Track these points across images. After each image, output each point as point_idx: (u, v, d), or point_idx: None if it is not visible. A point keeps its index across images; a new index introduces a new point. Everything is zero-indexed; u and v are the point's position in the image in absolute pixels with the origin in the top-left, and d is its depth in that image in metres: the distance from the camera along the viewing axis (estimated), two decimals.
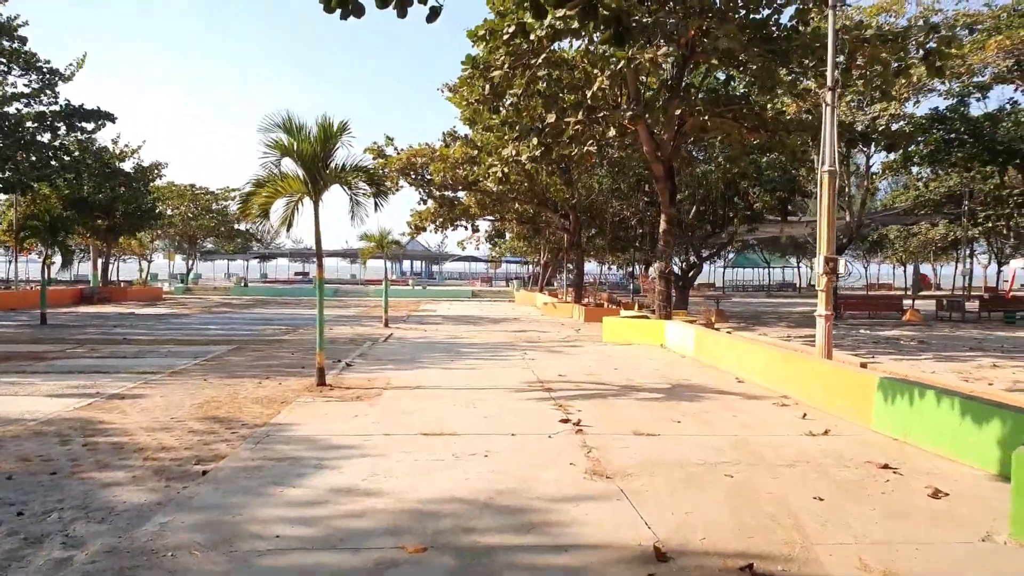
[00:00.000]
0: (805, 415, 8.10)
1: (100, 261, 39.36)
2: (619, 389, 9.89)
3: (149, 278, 54.45)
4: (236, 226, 52.67)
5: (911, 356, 14.06)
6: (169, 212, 46.77)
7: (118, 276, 55.01)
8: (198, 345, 15.02)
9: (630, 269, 69.97)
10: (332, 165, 9.64)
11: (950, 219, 32.89)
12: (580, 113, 14.26)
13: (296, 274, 72.84)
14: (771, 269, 60.09)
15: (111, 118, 29.27)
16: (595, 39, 13.60)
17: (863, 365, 9.99)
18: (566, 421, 7.63)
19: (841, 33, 13.96)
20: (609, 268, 66.40)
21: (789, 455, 6.40)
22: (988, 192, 29.19)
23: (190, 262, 54.58)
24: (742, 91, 16.45)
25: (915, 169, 30.31)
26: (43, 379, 10.25)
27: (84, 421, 7.53)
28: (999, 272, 45.82)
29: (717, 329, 15.43)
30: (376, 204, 10.32)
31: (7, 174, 25.09)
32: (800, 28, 14.72)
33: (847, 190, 26.88)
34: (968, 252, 40.02)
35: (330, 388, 9.64)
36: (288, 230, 10.13)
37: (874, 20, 17.88)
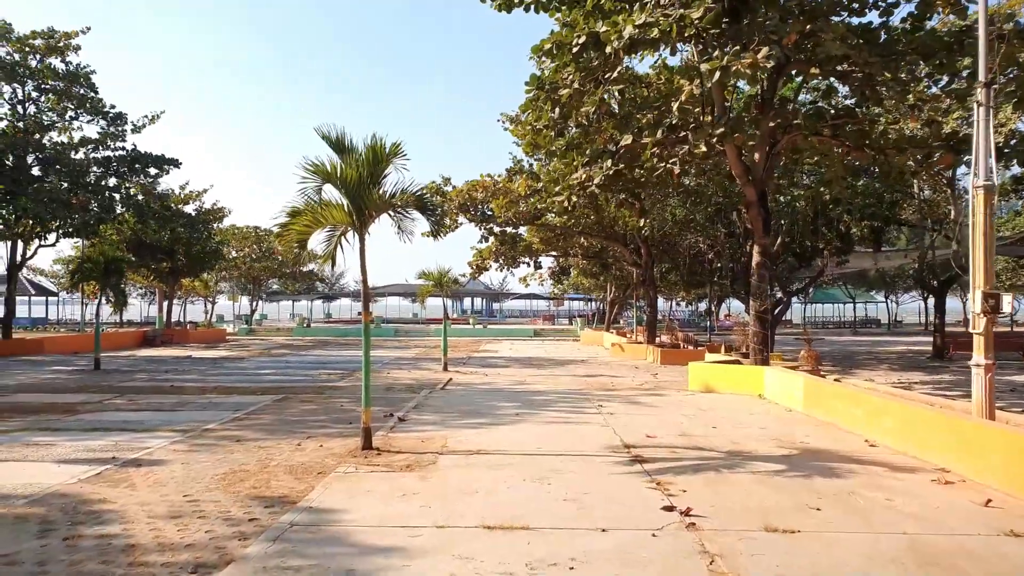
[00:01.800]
0: (989, 502, 6.11)
1: (164, 304, 39.65)
2: (725, 456, 8.05)
3: (214, 320, 55.12)
4: (301, 268, 52.99)
5: None
6: (233, 254, 47.28)
7: (183, 318, 56.02)
8: (245, 394, 13.89)
9: (703, 306, 67.21)
10: (380, 192, 8.32)
11: None
12: (659, 133, 12.67)
13: (359, 314, 72.83)
14: (855, 304, 56.19)
15: (176, 164, 29.46)
16: (679, 48, 12.08)
17: None
18: (671, 509, 5.88)
19: (966, 27, 12.05)
20: (678, 304, 63.82)
21: (999, 569, 4.50)
22: None
23: (254, 303, 54.97)
24: (845, 104, 14.49)
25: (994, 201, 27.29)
26: (65, 437, 9.16)
27: (81, 500, 6.24)
28: None
29: (823, 376, 13.34)
30: (434, 233, 8.93)
31: (75, 218, 25.22)
32: (912, 29, 12.84)
33: (951, 215, 24.21)
34: None
35: (377, 453, 8.16)
36: (333, 266, 8.85)
37: (1016, 10, 15.68)
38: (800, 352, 18.49)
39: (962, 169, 23.81)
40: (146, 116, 28.57)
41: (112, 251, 21.80)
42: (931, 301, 53.09)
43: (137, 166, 28.03)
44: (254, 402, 12.67)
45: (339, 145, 8.23)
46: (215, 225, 38.21)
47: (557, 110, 12.74)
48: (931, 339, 35.77)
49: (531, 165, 23.97)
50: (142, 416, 11.05)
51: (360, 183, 8.09)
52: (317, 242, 8.91)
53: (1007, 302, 8.13)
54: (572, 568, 4.56)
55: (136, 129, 27.80)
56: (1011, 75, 12.35)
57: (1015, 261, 40.02)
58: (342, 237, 8.66)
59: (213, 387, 15.32)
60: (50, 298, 58.83)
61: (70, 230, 25.88)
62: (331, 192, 8.42)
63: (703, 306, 68.23)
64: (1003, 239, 26.92)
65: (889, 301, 57.60)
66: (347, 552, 4.92)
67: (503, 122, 22.90)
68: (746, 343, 17.14)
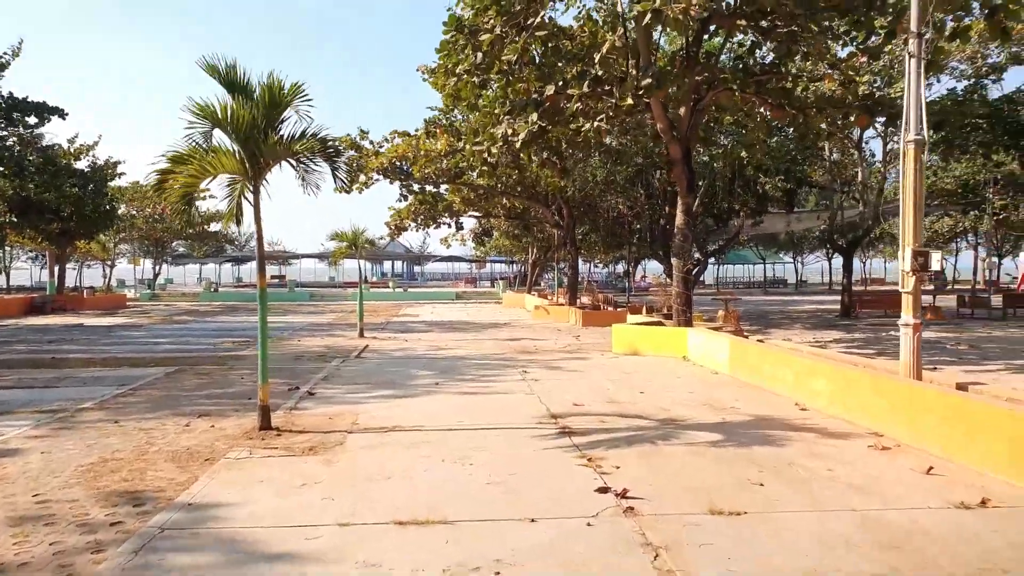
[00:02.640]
0: (931, 469, 5.87)
1: (56, 268, 36.39)
2: (657, 425, 7.61)
3: (115, 284, 51.43)
4: (205, 227, 49.86)
5: (977, 365, 11.96)
6: (133, 214, 43.90)
7: (80, 283, 52.00)
8: (136, 367, 12.54)
9: (620, 268, 68.00)
10: (278, 138, 7.26)
11: (962, 209, 31.00)
12: (585, 85, 11.96)
13: (272, 277, 69.83)
14: (765, 265, 58.15)
15: (59, 113, 26.60)
16: None
17: (960, 387, 7.78)
18: (605, 491, 5.33)
19: None
20: (595, 266, 64.25)
21: (966, 556, 4.17)
22: (1006, 180, 27.34)
23: (157, 267, 51.60)
24: (767, 62, 14.18)
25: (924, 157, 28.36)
26: None
27: None
28: (999, 266, 44.30)
29: (746, 337, 13.24)
30: (344, 187, 7.94)
31: None
32: None
33: (859, 178, 24.87)
34: (982, 243, 38.23)
35: (276, 433, 7.26)
36: (238, 224, 7.76)
37: None
38: (719, 312, 18.59)
39: (869, 132, 24.48)
40: (5, 53, 25.23)
41: None
42: (835, 262, 55.74)
43: (15, 115, 25.10)
44: (143, 376, 11.39)
45: (230, 81, 7.09)
46: (110, 182, 35.04)
47: (479, 55, 11.81)
48: (836, 298, 37.33)
49: (451, 121, 22.86)
50: (5, 395, 9.64)
51: (254, 126, 7.00)
52: (219, 198, 7.82)
53: (936, 260, 7.95)
54: (498, 573, 3.91)
55: (2, 63, 24.65)
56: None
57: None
58: (244, 190, 7.58)
59: (101, 359, 13.84)
60: None
61: None
62: (223, 140, 7.30)
63: (620, 268, 69.32)
64: (892, 204, 28.01)
65: (796, 262, 59.89)
66: (227, 562, 4.09)
67: (423, 73, 21.66)
68: (667, 304, 16.99)
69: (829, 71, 14.30)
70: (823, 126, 15.05)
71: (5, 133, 25.54)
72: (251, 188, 7.23)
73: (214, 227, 50.68)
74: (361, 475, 5.80)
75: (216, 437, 7.19)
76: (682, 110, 13.45)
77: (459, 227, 28.80)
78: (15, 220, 29.36)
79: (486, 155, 13.16)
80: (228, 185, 7.43)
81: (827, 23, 12.66)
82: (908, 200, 8.02)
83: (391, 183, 22.76)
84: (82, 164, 32.82)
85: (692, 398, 9.23)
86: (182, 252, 62.82)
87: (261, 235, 7.31)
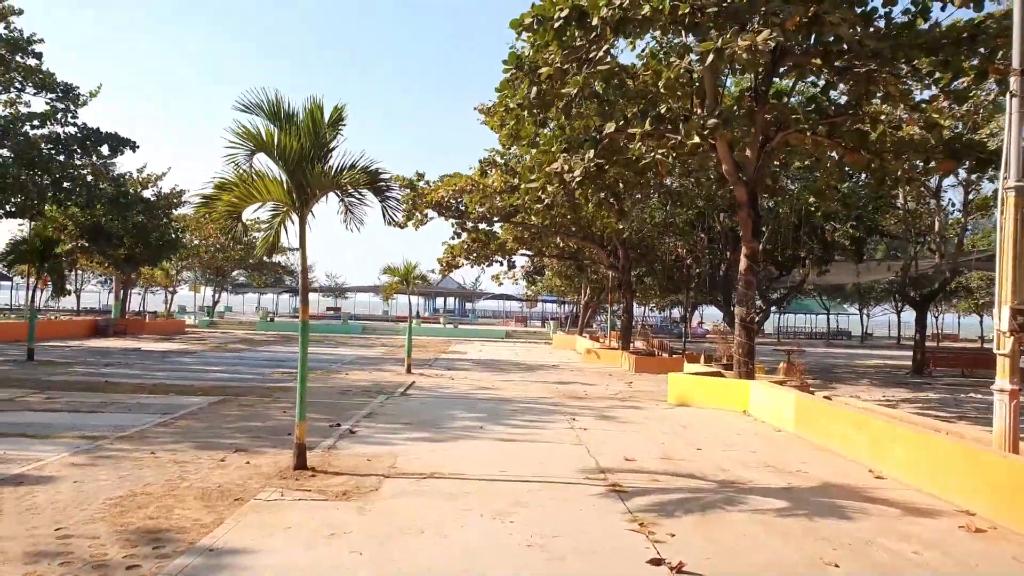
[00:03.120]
0: None
1: (121, 292, 37.71)
2: (715, 487, 6.99)
3: (176, 311, 53.02)
4: (265, 258, 51.12)
5: None
6: (197, 242, 45.34)
7: (144, 307, 53.87)
8: (183, 394, 12.54)
9: (675, 313, 66.60)
10: (326, 167, 7.11)
11: None
12: (648, 123, 11.62)
13: (328, 309, 70.99)
14: (829, 316, 55.98)
15: (132, 145, 27.75)
16: (670, 37, 11.05)
17: None
18: (659, 563, 4.78)
19: (980, 22, 11.18)
20: (650, 310, 63.07)
21: None
22: None
23: (217, 295, 53.05)
24: (842, 102, 13.57)
25: None
26: None
27: None
28: None
29: (812, 392, 12.40)
30: (391, 220, 7.75)
31: (20, 198, 23.49)
32: (913, 22, 11.97)
33: (935, 228, 23.62)
34: None
35: (311, 474, 6.94)
36: (271, 253, 7.66)
37: None
38: (780, 364, 17.68)
39: (949, 180, 23.30)
40: (90, 90, 26.64)
41: (45, 231, 20.09)
42: (904, 315, 53.24)
43: (88, 144, 26.28)
44: (188, 404, 11.33)
45: (274, 113, 6.99)
46: (174, 211, 36.32)
47: (535, 89, 11.63)
48: (905, 353, 35.40)
49: (507, 160, 22.83)
50: (52, 418, 9.67)
51: (302, 156, 6.87)
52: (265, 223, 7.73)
53: None
54: None
55: (78, 103, 25.92)
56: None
57: (990, 279, 39.97)
58: (284, 219, 7.45)
59: (152, 384, 13.94)
60: (3, 283, 56.15)
61: (12, 210, 24.16)
62: (267, 167, 7.19)
63: (676, 313, 67.87)
64: (984, 251, 26.47)
65: (862, 314, 57.52)
66: None
67: (478, 112, 21.76)
68: (727, 354, 16.22)
69: (909, 115, 13.56)
70: (901, 172, 14.26)
71: (81, 162, 26.69)
72: (296, 217, 7.06)
73: (275, 258, 51.95)
74: (394, 527, 5.39)
75: (250, 474, 6.92)
76: (748, 152, 12.95)
77: (511, 265, 28.58)
78: (85, 245, 30.57)
79: (540, 193, 12.90)
80: (271, 213, 7.29)
81: (911, 63, 12.05)
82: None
83: (446, 219, 22.74)
84: (148, 193, 34.16)
85: (754, 458, 8.53)
86: (243, 282, 64.55)
87: (305, 265, 7.11)
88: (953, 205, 23.60)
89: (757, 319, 24.86)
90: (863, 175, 19.47)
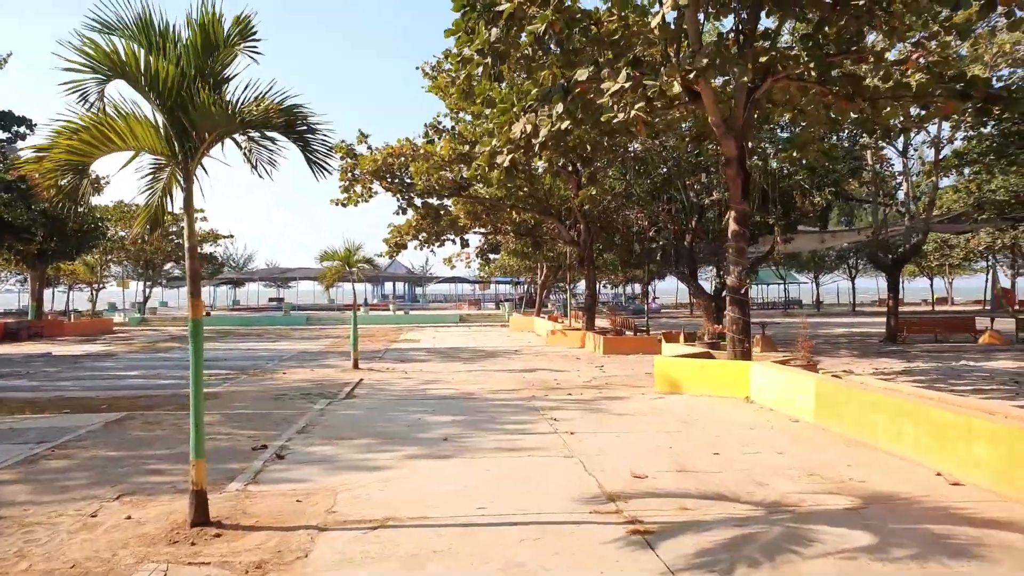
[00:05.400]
0: None
1: (36, 291, 34.22)
2: (764, 515, 5.30)
3: (104, 308, 49.16)
4: (201, 250, 47.75)
5: None
6: (122, 234, 41.77)
7: (68, 307, 49.89)
8: (77, 411, 10.28)
9: (630, 289, 65.64)
10: (222, 101, 5.06)
11: (1012, 224, 28.72)
12: (623, 68, 9.80)
13: (270, 299, 67.58)
14: (787, 285, 55.80)
15: (28, 124, 24.68)
16: None
17: None
18: None
19: None
20: (604, 287, 61.78)
21: None
22: None
23: (147, 290, 49.46)
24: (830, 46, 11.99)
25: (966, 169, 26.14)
26: None
27: None
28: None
29: (818, 371, 10.94)
30: (312, 167, 5.72)
31: None
32: None
33: (904, 188, 22.70)
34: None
35: (216, 532, 4.97)
36: (152, 229, 5.60)
37: None
38: (755, 337, 16.32)
39: (920, 138, 22.30)
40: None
41: None
42: (858, 282, 53.51)
43: None
44: (78, 426, 9.10)
45: (142, 27, 4.90)
46: (91, 199, 33.00)
47: (494, 31, 9.67)
48: (866, 320, 35.00)
49: (454, 128, 20.75)
50: None
51: (183, 83, 4.81)
52: (136, 189, 5.65)
53: None
54: None
55: None
56: None
57: (943, 241, 39.93)
58: (172, 180, 5.38)
59: (48, 399, 11.62)
60: None
61: None
62: (135, 104, 5.10)
63: (630, 289, 66.90)
64: (949, 214, 25.82)
65: (815, 282, 57.58)
66: None
67: (422, 76, 19.62)
68: (712, 331, 14.75)
69: (916, 50, 12.09)
70: (894, 121, 12.86)
71: None
72: (182, 174, 5.02)
73: (208, 248, 48.65)
74: None
75: (126, 538, 4.91)
76: (733, 101, 11.30)
77: (464, 244, 26.59)
78: None
79: (498, 157, 11.05)
80: (150, 173, 5.22)
81: None
82: None
83: (392, 196, 20.58)
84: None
85: (786, 463, 6.91)
86: (178, 275, 60.66)
87: (193, 241, 5.07)
88: (924, 163, 22.63)
89: (725, 291, 23.65)
90: (844, 133, 18.20)
